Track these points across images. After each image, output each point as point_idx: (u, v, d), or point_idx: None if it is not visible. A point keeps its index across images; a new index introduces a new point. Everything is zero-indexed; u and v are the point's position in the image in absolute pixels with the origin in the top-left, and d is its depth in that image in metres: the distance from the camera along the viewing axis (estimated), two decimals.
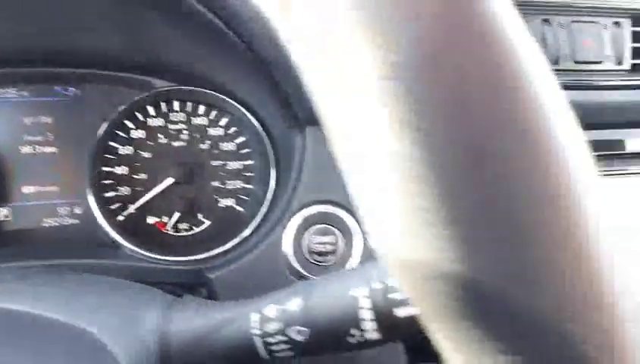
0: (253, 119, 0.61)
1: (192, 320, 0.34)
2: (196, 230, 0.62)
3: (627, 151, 0.63)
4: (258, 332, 0.32)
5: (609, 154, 0.62)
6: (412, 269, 0.15)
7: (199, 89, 0.61)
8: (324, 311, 0.31)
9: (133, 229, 0.60)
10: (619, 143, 0.62)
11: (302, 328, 0.31)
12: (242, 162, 0.62)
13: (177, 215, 0.61)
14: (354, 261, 0.51)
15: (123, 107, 0.59)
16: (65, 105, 0.61)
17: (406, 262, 0.15)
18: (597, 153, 0.62)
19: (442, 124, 0.13)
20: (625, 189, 0.63)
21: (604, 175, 0.62)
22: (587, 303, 0.14)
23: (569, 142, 0.14)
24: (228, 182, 0.62)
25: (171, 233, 0.61)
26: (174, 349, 0.33)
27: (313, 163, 0.52)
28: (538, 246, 0.14)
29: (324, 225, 0.51)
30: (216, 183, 0.62)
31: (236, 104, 0.61)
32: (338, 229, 0.51)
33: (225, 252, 0.55)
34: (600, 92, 0.57)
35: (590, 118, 0.58)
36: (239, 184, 0.62)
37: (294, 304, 0.32)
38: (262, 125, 0.61)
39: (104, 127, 0.59)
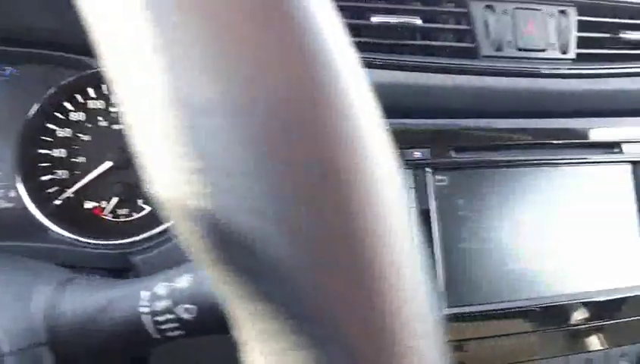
0: None
1: (84, 298, 0.32)
2: (136, 216, 0.60)
3: (589, 140, 0.62)
4: (147, 310, 0.31)
5: (568, 143, 0.61)
6: (171, 209, 0.13)
7: None
8: (211, 288, 0.30)
9: (70, 214, 0.58)
10: (580, 132, 0.61)
11: (190, 306, 0.30)
12: None
13: (115, 200, 0.59)
14: None
15: (53, 89, 0.57)
16: (2, 84, 0.59)
17: (165, 201, 0.13)
18: (555, 141, 0.61)
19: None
20: (583, 177, 0.62)
21: (564, 164, 0.61)
22: (336, 252, 0.12)
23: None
24: None
25: (109, 218, 0.60)
26: (63, 328, 0.32)
27: None
28: (276, 181, 0.12)
29: None
30: None
31: None
32: None
33: (153, 237, 0.53)
34: (545, 80, 0.56)
35: (534, 106, 0.57)
36: None
37: (183, 281, 0.30)
38: None
39: (35, 108, 0.57)
